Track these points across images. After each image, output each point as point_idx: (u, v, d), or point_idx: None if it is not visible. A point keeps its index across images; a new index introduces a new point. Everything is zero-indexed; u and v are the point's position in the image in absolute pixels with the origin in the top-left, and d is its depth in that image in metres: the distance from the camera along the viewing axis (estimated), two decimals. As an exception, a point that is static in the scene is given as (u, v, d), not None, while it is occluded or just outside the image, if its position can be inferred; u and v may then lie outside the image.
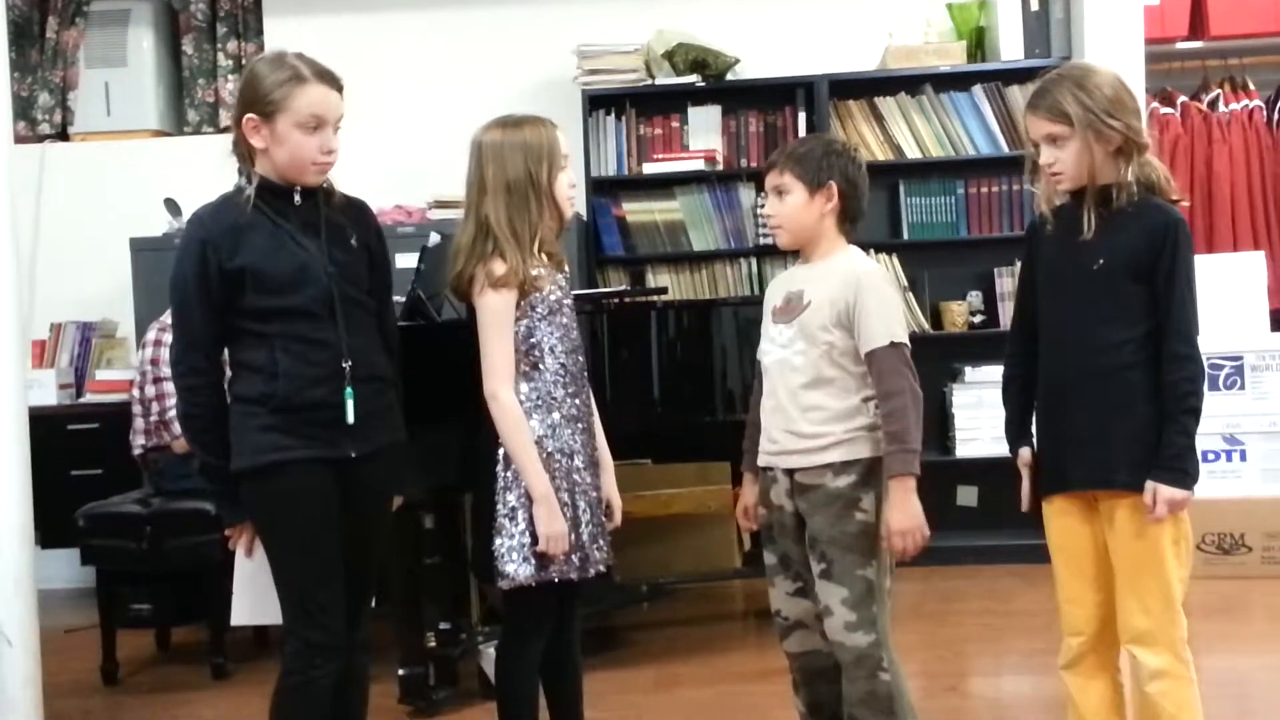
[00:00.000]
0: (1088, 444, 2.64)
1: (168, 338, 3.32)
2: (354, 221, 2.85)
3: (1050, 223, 2.73)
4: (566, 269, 3.02)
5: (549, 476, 2.85)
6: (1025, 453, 2.82)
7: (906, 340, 2.78)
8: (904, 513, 2.71)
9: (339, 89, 2.73)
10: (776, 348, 2.86)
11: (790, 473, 2.82)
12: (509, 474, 2.87)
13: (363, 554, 2.83)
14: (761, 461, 2.91)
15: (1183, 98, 5.72)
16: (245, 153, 2.74)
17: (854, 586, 2.75)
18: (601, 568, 2.97)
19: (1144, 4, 5.36)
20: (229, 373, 2.79)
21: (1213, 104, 5.68)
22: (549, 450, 2.88)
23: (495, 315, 2.85)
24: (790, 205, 2.85)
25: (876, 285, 2.80)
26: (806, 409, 2.79)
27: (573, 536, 2.87)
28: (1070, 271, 2.67)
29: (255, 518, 2.75)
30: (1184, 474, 2.57)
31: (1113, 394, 2.62)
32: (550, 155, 2.89)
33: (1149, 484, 2.57)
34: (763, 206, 2.82)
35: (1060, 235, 2.70)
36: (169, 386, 4.16)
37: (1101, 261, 2.61)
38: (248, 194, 2.70)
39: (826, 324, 2.78)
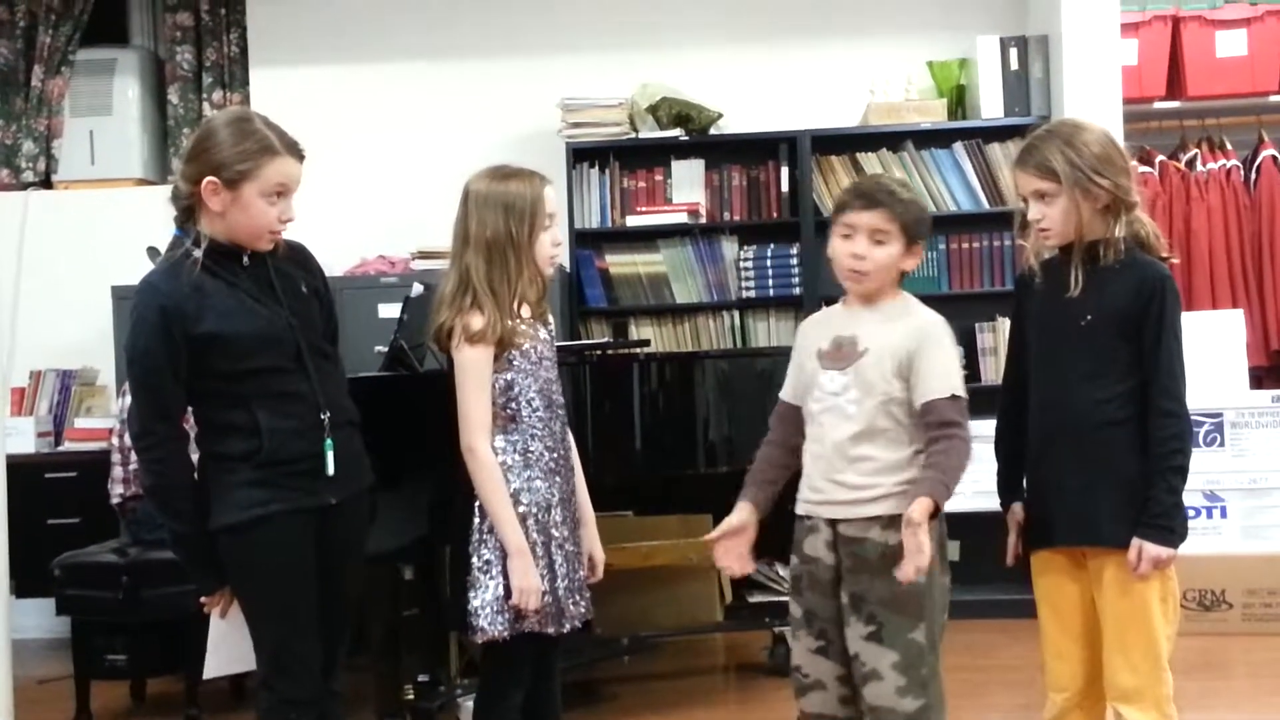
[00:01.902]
0: (1075, 499, 2.64)
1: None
2: (300, 267, 2.85)
3: (1039, 277, 2.74)
4: (551, 322, 3.01)
5: (524, 531, 2.84)
6: (1017, 508, 2.82)
7: (965, 395, 2.69)
8: (924, 513, 2.52)
9: (302, 159, 2.74)
10: (828, 395, 2.70)
11: (833, 524, 2.70)
12: (484, 527, 2.85)
13: (338, 601, 2.82)
14: (802, 510, 2.74)
15: (1161, 157, 5.77)
16: (190, 208, 2.70)
17: (906, 650, 2.62)
18: (577, 623, 2.94)
19: (1122, 64, 5.43)
20: (193, 433, 2.76)
21: (1190, 163, 5.73)
22: (524, 504, 2.86)
23: (472, 369, 2.83)
24: (886, 254, 2.71)
25: (940, 337, 2.71)
26: (855, 459, 2.66)
27: (548, 591, 2.85)
28: (1058, 327, 2.68)
29: (234, 574, 2.72)
30: (1169, 532, 2.57)
31: (1100, 449, 2.62)
32: (533, 214, 2.86)
33: (1135, 541, 2.57)
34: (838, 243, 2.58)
35: (1048, 290, 2.71)
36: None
37: (1089, 318, 2.62)
38: (195, 256, 2.66)
39: (887, 374, 2.66)
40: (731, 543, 2.77)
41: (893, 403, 2.66)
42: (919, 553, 2.48)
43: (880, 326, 2.71)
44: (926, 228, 2.77)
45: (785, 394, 2.85)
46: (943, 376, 2.65)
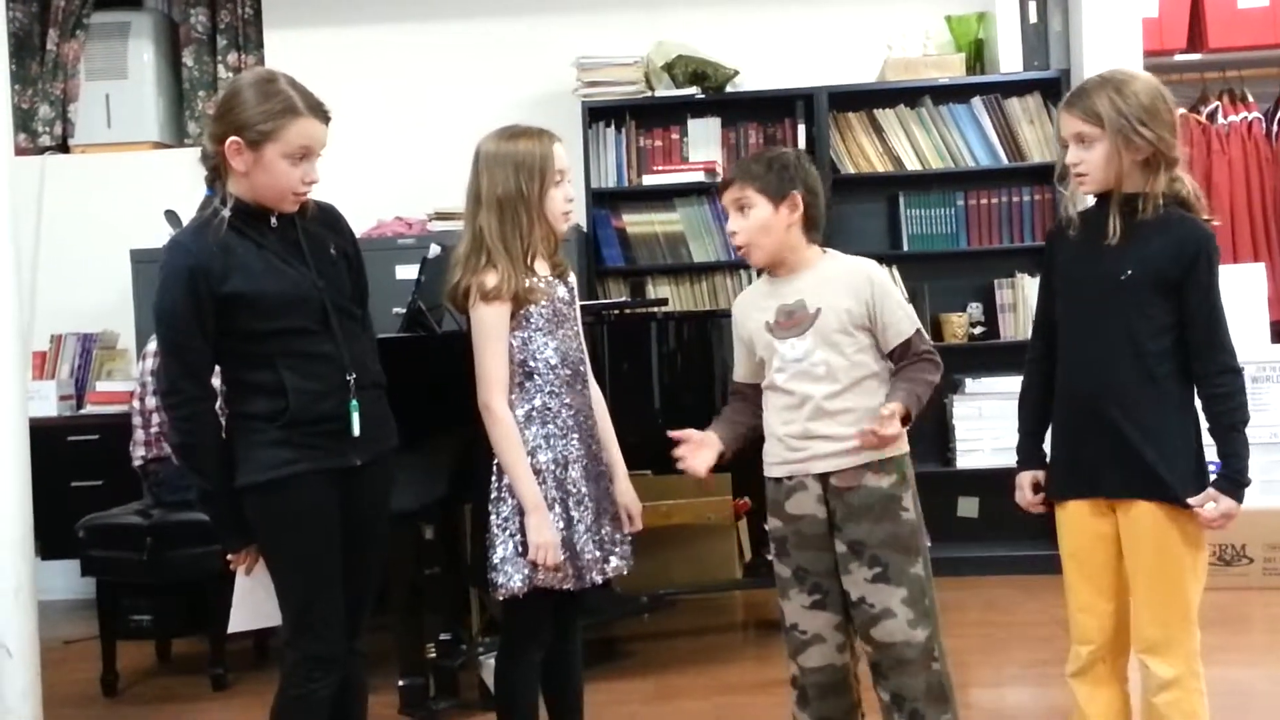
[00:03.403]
0: (1113, 454, 2.64)
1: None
2: (329, 229, 2.85)
3: (1075, 227, 2.72)
4: (572, 278, 3.01)
5: (542, 487, 2.85)
6: (1037, 474, 2.82)
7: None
8: (894, 414, 2.66)
9: (328, 121, 2.72)
10: (791, 363, 2.78)
11: (822, 478, 2.76)
12: (503, 485, 2.87)
13: (363, 562, 2.84)
14: (778, 472, 2.82)
15: (1181, 110, 5.71)
16: (218, 167, 2.71)
17: (912, 585, 2.74)
18: (598, 578, 2.96)
19: (1143, 16, 5.38)
20: (220, 392, 2.77)
21: (1211, 116, 5.69)
22: (543, 461, 2.88)
23: (488, 327, 2.85)
24: (756, 220, 2.80)
25: (886, 278, 2.82)
26: (835, 413, 2.75)
27: (567, 548, 2.87)
28: (1096, 280, 2.66)
29: (259, 532, 2.74)
30: (1242, 485, 2.61)
31: (1139, 405, 2.62)
32: (542, 171, 2.87)
33: (1210, 493, 2.60)
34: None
35: (1085, 243, 2.69)
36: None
37: (1130, 272, 2.61)
38: (223, 216, 2.67)
39: (847, 326, 2.76)
40: (694, 448, 2.82)
41: (859, 351, 2.77)
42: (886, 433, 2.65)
43: (823, 285, 2.81)
44: (787, 176, 2.82)
45: (740, 376, 2.95)
46: (905, 314, 2.80)
